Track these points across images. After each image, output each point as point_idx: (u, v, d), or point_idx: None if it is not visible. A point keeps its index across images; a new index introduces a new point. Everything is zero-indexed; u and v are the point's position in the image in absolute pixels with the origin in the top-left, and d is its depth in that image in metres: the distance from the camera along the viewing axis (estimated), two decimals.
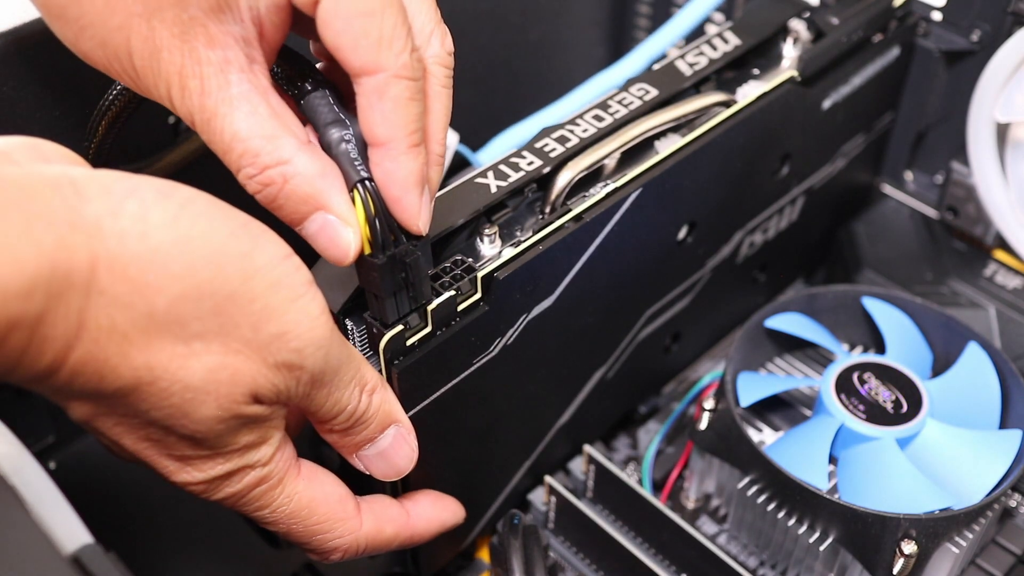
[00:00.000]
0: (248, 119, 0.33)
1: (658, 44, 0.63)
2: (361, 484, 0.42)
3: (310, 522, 0.39)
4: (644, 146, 0.48)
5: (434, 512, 0.44)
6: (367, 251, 0.36)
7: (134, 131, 0.43)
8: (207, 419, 0.32)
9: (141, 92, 0.34)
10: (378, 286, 0.37)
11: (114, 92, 0.41)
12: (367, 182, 0.35)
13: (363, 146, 0.35)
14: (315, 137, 0.35)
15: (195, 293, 0.30)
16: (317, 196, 0.34)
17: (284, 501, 0.37)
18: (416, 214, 0.36)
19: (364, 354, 0.41)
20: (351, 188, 0.35)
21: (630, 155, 0.48)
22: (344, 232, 0.34)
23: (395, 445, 0.39)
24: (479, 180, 0.44)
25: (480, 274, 0.41)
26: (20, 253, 0.27)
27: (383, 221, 0.35)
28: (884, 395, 0.50)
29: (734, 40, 0.53)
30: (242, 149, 0.33)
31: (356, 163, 0.35)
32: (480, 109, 0.71)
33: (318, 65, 0.38)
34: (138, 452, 0.34)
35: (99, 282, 0.29)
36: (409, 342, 0.39)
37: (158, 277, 0.30)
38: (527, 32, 0.70)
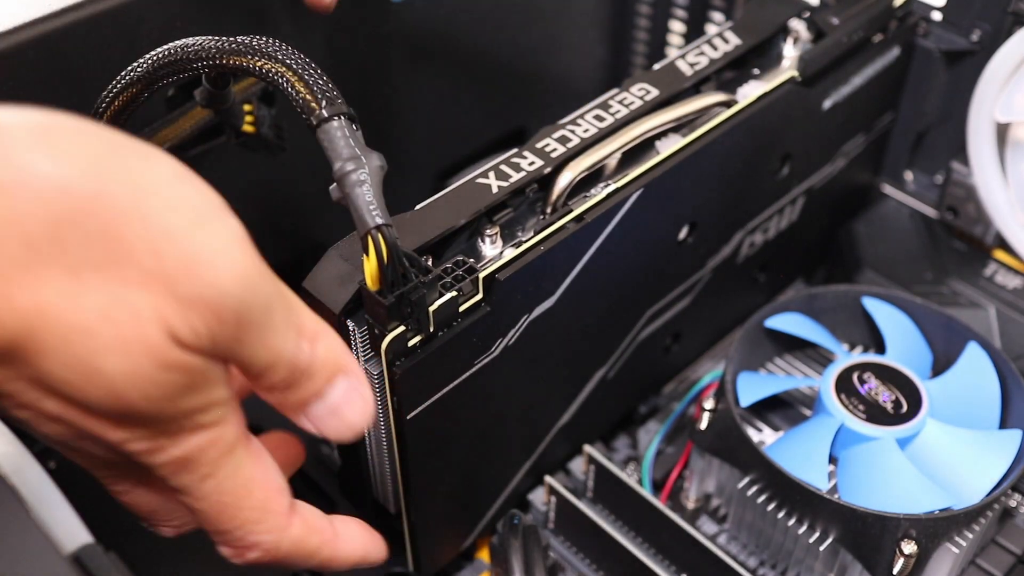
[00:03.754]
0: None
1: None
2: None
3: (243, 505, 0.33)
4: (645, 146, 0.48)
5: (360, 540, 0.39)
6: (374, 288, 0.36)
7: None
8: (122, 374, 0.28)
9: None
10: (384, 321, 0.37)
11: (120, 83, 0.40)
12: (383, 228, 0.35)
13: (378, 184, 0.35)
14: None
15: (76, 213, 0.26)
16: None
17: (229, 473, 0.33)
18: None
19: (365, 355, 0.41)
20: (365, 235, 0.35)
21: (631, 155, 0.48)
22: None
23: (347, 399, 0.33)
24: (480, 180, 0.44)
25: (481, 275, 0.41)
26: None
27: (395, 266, 0.36)
28: (884, 395, 0.50)
29: (734, 40, 0.53)
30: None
31: (371, 207, 0.35)
32: (480, 109, 0.71)
33: None
34: (57, 434, 0.30)
35: None
36: (411, 343, 0.39)
37: (30, 200, 0.26)
38: (527, 32, 0.70)
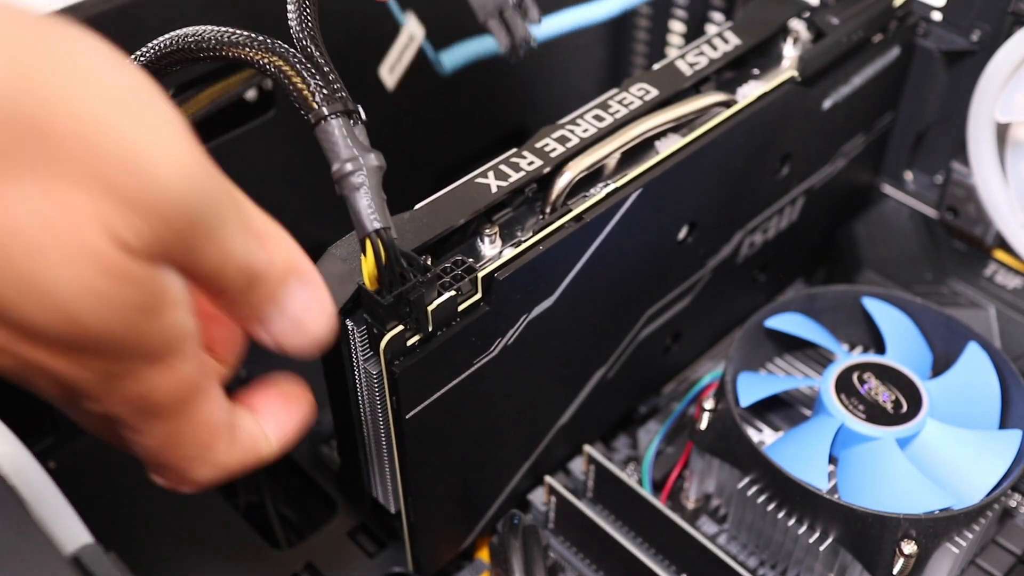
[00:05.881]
0: None
1: None
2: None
3: (189, 446, 0.31)
4: (644, 146, 0.48)
5: (282, 423, 0.35)
6: (372, 288, 0.37)
7: None
8: (68, 288, 0.25)
9: None
10: (382, 320, 0.38)
11: None
12: (382, 231, 0.35)
13: (377, 184, 0.35)
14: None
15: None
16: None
17: (186, 418, 0.30)
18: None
19: (364, 355, 0.41)
20: (363, 238, 0.35)
21: (630, 155, 0.48)
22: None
23: (305, 304, 0.31)
24: (479, 180, 0.44)
25: (480, 274, 0.41)
26: None
27: (393, 268, 0.36)
28: (884, 395, 0.50)
29: (734, 40, 0.53)
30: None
31: (370, 210, 0.35)
32: (480, 109, 0.71)
33: None
34: (7, 349, 0.27)
35: None
36: (409, 343, 0.39)
37: None
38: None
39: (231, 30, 0.37)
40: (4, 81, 0.24)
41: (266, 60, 0.36)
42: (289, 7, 0.38)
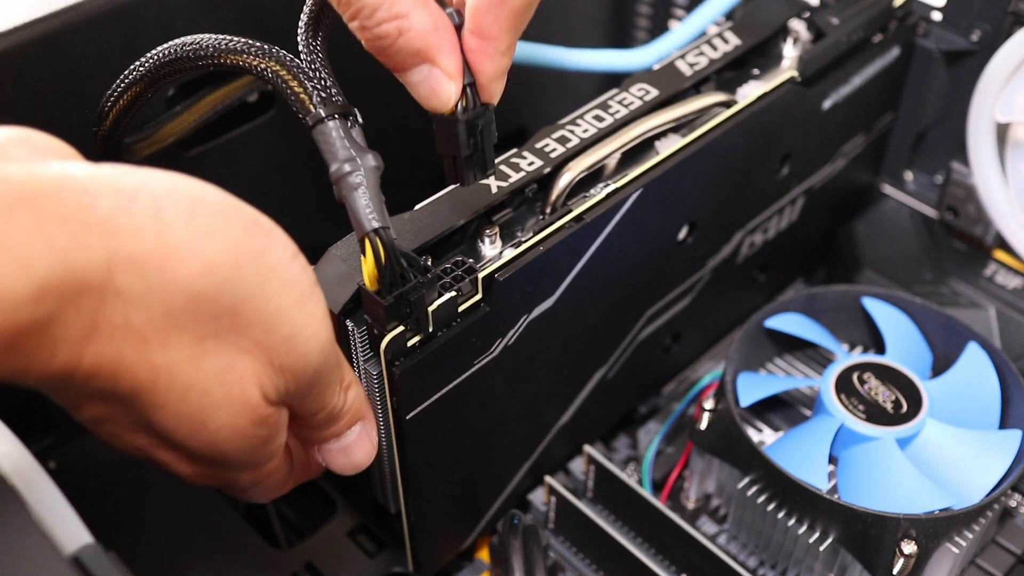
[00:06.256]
0: None
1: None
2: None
3: (265, 484, 0.38)
4: (644, 146, 0.48)
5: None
6: (373, 288, 0.37)
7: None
8: (222, 429, 0.32)
9: None
10: (382, 321, 0.38)
11: (123, 83, 0.40)
12: (380, 231, 0.35)
13: (375, 184, 0.35)
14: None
15: (213, 292, 0.30)
16: (427, 50, 0.34)
17: (268, 475, 0.37)
18: (493, 99, 0.37)
19: (364, 355, 0.41)
20: (362, 238, 0.35)
21: (630, 155, 0.48)
22: (447, 86, 0.35)
23: (359, 441, 0.38)
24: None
25: (481, 275, 0.41)
26: (31, 254, 0.25)
27: (392, 268, 0.36)
28: (884, 395, 0.50)
29: (734, 40, 0.53)
30: (360, 4, 0.33)
31: (368, 210, 0.35)
32: None
33: None
34: (146, 450, 0.33)
35: (115, 282, 0.28)
36: (410, 343, 0.39)
37: (176, 276, 0.29)
38: (527, 32, 0.70)
39: (228, 37, 0.37)
40: (224, 272, 0.30)
41: (263, 66, 0.37)
42: (303, 14, 0.38)
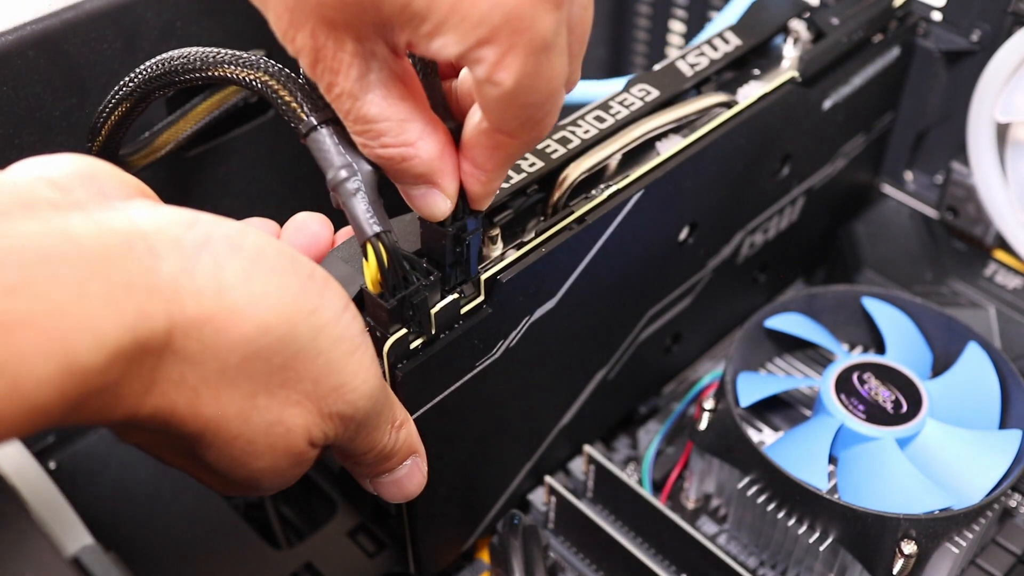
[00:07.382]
0: (380, 103, 0.33)
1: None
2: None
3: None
4: (645, 147, 0.48)
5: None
6: (375, 291, 0.37)
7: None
8: (263, 469, 0.33)
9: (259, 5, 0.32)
10: (385, 324, 0.37)
11: (114, 99, 0.40)
12: (382, 235, 0.35)
13: (373, 188, 0.35)
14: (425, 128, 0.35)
15: (267, 351, 0.30)
16: (430, 175, 0.35)
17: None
18: (482, 209, 0.38)
19: None
20: (364, 243, 0.35)
21: (631, 156, 0.48)
22: (444, 204, 0.36)
23: (410, 474, 0.39)
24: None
25: (483, 276, 0.41)
26: (102, 325, 0.26)
27: (395, 271, 0.36)
28: (884, 395, 0.50)
29: (735, 40, 0.53)
30: (364, 127, 0.33)
31: (368, 215, 0.35)
32: None
33: None
34: (185, 468, 0.34)
35: (174, 344, 0.29)
36: (412, 345, 0.39)
37: (232, 336, 0.30)
38: None
39: (216, 50, 0.37)
40: (279, 332, 0.30)
41: (252, 77, 0.36)
42: None
